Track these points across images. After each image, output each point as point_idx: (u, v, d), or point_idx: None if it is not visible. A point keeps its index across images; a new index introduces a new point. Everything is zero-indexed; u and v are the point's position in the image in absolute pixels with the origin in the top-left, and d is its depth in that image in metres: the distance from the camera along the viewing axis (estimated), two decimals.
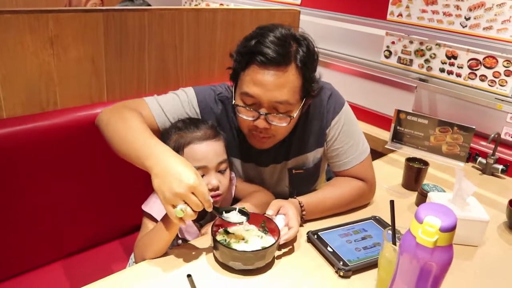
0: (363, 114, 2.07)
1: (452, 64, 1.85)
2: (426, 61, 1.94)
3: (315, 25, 2.29)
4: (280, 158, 1.24)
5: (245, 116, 1.08)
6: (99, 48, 1.25)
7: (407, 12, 1.94)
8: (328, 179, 1.45)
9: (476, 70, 1.77)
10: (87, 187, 1.27)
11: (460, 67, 1.82)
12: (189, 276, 0.92)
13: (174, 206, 0.86)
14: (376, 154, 1.80)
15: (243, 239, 1.00)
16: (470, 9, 1.73)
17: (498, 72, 1.71)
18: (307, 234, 1.09)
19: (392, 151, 1.77)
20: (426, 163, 1.45)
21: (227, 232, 1.01)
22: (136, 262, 1.01)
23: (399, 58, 2.03)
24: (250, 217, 1.02)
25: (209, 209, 0.91)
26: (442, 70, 1.89)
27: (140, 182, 1.29)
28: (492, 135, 1.54)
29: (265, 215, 1.06)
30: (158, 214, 1.05)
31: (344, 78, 2.20)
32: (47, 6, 1.16)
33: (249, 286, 0.93)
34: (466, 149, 1.64)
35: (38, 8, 1.11)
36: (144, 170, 0.91)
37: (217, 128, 1.14)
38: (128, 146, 0.95)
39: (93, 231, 1.33)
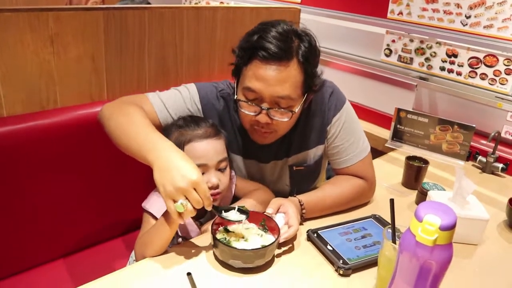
0: (363, 112, 2.06)
1: (452, 63, 1.85)
2: (427, 59, 1.93)
3: (315, 23, 2.29)
4: (281, 155, 1.24)
5: (247, 111, 1.08)
6: (99, 46, 1.25)
7: (407, 10, 1.93)
8: (328, 177, 1.45)
9: (476, 68, 1.77)
10: (88, 185, 1.27)
11: (461, 65, 1.82)
12: (189, 274, 0.92)
13: (174, 202, 0.87)
14: (376, 152, 1.80)
15: (243, 237, 1.00)
16: (470, 8, 1.73)
17: (498, 70, 1.71)
18: (307, 232, 1.09)
19: (392, 149, 1.77)
20: (426, 162, 1.45)
21: (227, 231, 1.01)
22: (136, 260, 1.02)
23: (400, 56, 2.03)
24: (250, 216, 1.02)
25: (209, 208, 0.91)
26: (442, 69, 1.89)
27: (141, 180, 1.29)
28: (492, 134, 1.54)
29: (265, 213, 1.06)
30: (158, 212, 1.05)
31: (344, 76, 2.20)
32: (47, 4, 1.16)
33: (249, 284, 0.93)
34: (466, 147, 1.64)
35: (38, 6, 1.11)
36: (146, 164, 0.91)
37: (217, 126, 1.14)
38: (131, 140, 0.95)
39: (93, 229, 1.33)
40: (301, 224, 1.14)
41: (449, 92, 1.84)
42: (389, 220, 0.92)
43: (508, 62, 1.67)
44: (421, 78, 1.94)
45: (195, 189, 0.86)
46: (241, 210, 1.00)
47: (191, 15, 1.42)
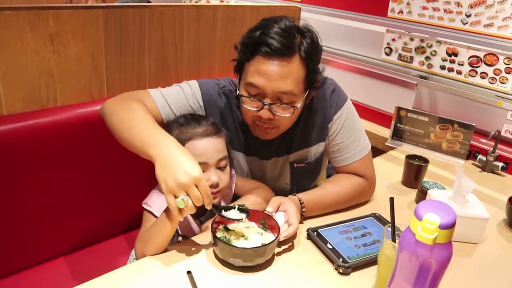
0: (363, 111, 2.06)
1: (452, 61, 1.85)
2: (427, 58, 1.93)
3: (315, 22, 2.27)
4: (283, 152, 1.24)
5: (249, 106, 1.08)
6: (99, 45, 1.25)
7: (407, 9, 1.93)
8: (328, 176, 1.45)
9: (476, 67, 1.77)
10: (88, 184, 1.27)
11: (461, 64, 1.82)
12: (189, 272, 0.92)
13: (175, 198, 0.87)
14: (376, 151, 1.80)
15: (243, 236, 1.00)
16: (471, 6, 1.72)
17: (498, 69, 1.70)
18: (307, 231, 1.09)
19: (392, 148, 1.77)
20: (426, 161, 1.45)
21: (227, 229, 1.01)
22: (137, 258, 1.02)
23: (400, 55, 2.02)
24: (250, 214, 1.02)
25: (209, 207, 0.91)
26: (442, 67, 1.89)
27: (141, 178, 1.30)
28: (492, 133, 1.54)
29: (265, 212, 1.06)
30: (158, 210, 1.05)
31: (344, 75, 2.20)
32: (47, 3, 1.16)
33: (249, 282, 0.93)
34: (466, 146, 1.64)
35: (38, 4, 1.11)
36: (148, 159, 0.92)
37: (218, 125, 1.15)
38: (133, 135, 0.95)
39: (95, 227, 1.34)
40: (301, 222, 1.14)
41: (449, 91, 1.84)
42: (389, 218, 0.92)
43: (508, 61, 1.67)
44: (421, 77, 1.94)
45: (196, 185, 0.87)
46: (241, 209, 1.00)
47: (192, 13, 1.42)
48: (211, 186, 1.05)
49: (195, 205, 0.88)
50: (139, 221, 1.12)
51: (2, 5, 1.06)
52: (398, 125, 1.77)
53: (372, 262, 0.99)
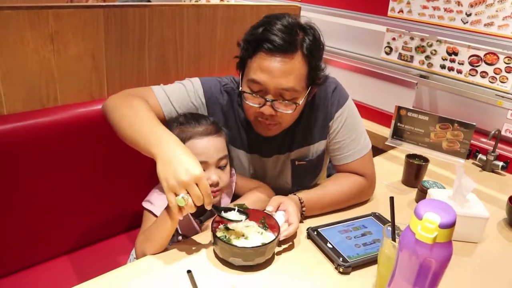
0: (363, 110, 2.05)
1: (453, 61, 1.85)
2: (427, 57, 1.93)
3: (315, 21, 2.26)
4: (284, 149, 1.25)
5: (252, 102, 1.08)
6: (99, 44, 1.25)
7: (408, 8, 1.93)
8: (329, 175, 1.45)
9: (477, 66, 1.77)
10: (88, 183, 1.27)
11: (461, 63, 1.82)
12: (189, 272, 0.92)
13: (175, 196, 0.87)
14: (376, 150, 1.80)
15: (243, 235, 1.00)
16: (471, 5, 1.72)
17: (499, 68, 1.70)
18: (307, 230, 1.09)
19: (392, 147, 1.77)
20: (426, 160, 1.45)
21: (227, 229, 1.01)
22: (137, 258, 1.02)
23: (400, 54, 2.02)
24: (250, 214, 1.02)
25: (208, 207, 0.91)
26: (442, 67, 1.89)
27: (142, 177, 1.30)
28: (493, 132, 1.54)
29: (265, 211, 1.06)
30: (159, 210, 1.05)
31: (344, 74, 2.19)
32: (48, 2, 1.16)
33: (249, 282, 0.93)
34: (467, 145, 1.64)
35: (39, 4, 1.11)
36: (149, 157, 0.92)
37: (218, 124, 1.15)
38: (135, 132, 0.96)
39: (95, 226, 1.34)
40: (301, 222, 1.14)
41: (450, 90, 1.84)
42: (389, 218, 0.92)
43: (508, 60, 1.67)
44: (421, 76, 1.94)
45: (197, 184, 0.87)
46: (241, 211, 1.00)
47: (192, 13, 1.42)
48: (211, 185, 1.05)
49: (195, 205, 0.89)
50: (140, 220, 1.12)
51: (2, 4, 1.06)
52: (398, 124, 1.77)
53: (372, 261, 0.99)
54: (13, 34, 1.09)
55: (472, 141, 1.64)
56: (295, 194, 1.16)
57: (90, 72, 1.26)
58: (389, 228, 0.88)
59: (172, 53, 1.42)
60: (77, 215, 1.28)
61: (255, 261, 0.95)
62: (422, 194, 1.31)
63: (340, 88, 1.24)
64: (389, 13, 2.00)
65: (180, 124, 1.10)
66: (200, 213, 1.16)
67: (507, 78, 1.69)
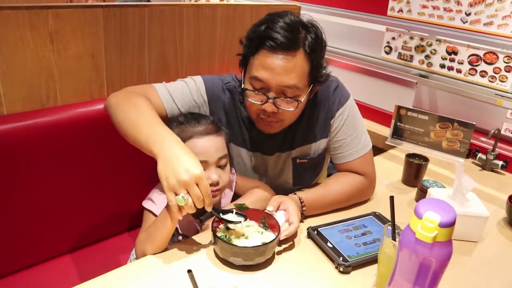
0: (363, 110, 2.03)
1: (452, 60, 1.85)
2: (427, 57, 1.93)
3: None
4: (286, 147, 1.25)
5: (254, 100, 1.09)
6: (99, 44, 1.25)
7: (407, 7, 1.93)
8: (329, 175, 1.45)
9: (476, 66, 1.77)
10: (88, 183, 1.27)
11: (461, 63, 1.82)
12: (189, 271, 0.92)
13: (175, 195, 0.87)
14: (376, 150, 1.79)
15: (243, 235, 1.00)
16: (470, 5, 1.72)
17: (498, 68, 1.70)
18: (307, 230, 1.10)
19: (392, 147, 1.77)
20: (426, 159, 1.45)
21: (227, 228, 1.01)
22: (137, 258, 1.02)
23: (400, 54, 2.02)
24: (251, 213, 1.02)
25: (209, 208, 0.91)
26: (442, 66, 1.89)
27: (142, 177, 1.30)
28: (492, 131, 1.54)
29: (266, 211, 1.06)
30: (158, 210, 1.05)
31: (344, 74, 2.19)
32: (47, 2, 1.16)
33: (250, 281, 0.93)
34: (466, 145, 1.64)
35: (38, 4, 1.11)
36: (150, 155, 0.92)
37: (218, 123, 1.15)
38: (137, 131, 0.96)
39: (95, 226, 1.34)
40: (301, 221, 1.14)
41: (449, 89, 1.84)
42: (389, 217, 0.92)
43: (508, 59, 1.67)
44: (421, 75, 1.94)
45: (197, 184, 0.87)
46: (239, 213, 1.00)
47: (191, 12, 1.42)
48: (211, 185, 1.05)
49: (195, 205, 0.89)
50: (140, 219, 1.12)
51: (2, 4, 1.05)
52: (398, 123, 1.77)
53: (372, 260, 0.99)
54: (13, 34, 1.09)
55: (472, 140, 1.64)
56: (295, 194, 1.16)
57: (90, 72, 1.26)
58: (389, 228, 0.88)
59: (171, 52, 1.42)
60: (77, 215, 1.28)
61: (255, 260, 0.95)
62: (422, 193, 1.31)
63: (341, 87, 1.24)
64: (389, 12, 2.00)
65: (180, 123, 1.10)
66: (200, 213, 1.16)
67: (506, 77, 1.69)
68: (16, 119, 1.11)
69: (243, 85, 1.11)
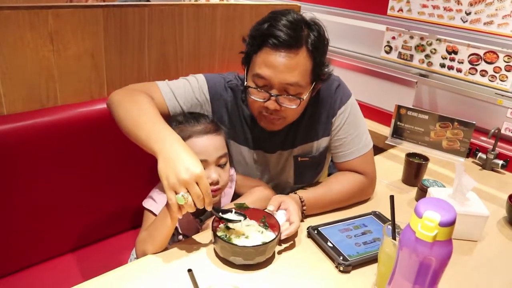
0: (363, 109, 2.02)
1: (452, 59, 1.85)
2: (427, 56, 1.93)
3: None
4: (287, 145, 1.25)
5: (256, 97, 1.09)
6: (99, 44, 1.25)
7: (407, 7, 1.93)
8: (329, 175, 1.45)
9: (476, 65, 1.77)
10: (89, 183, 1.27)
11: (461, 62, 1.82)
12: (189, 270, 0.92)
13: (175, 194, 0.87)
14: (377, 149, 1.79)
15: (244, 234, 1.00)
16: (470, 4, 1.72)
17: (498, 67, 1.70)
18: (307, 229, 1.10)
19: (392, 146, 1.77)
20: (426, 159, 1.45)
21: (227, 228, 1.01)
22: (137, 257, 1.02)
23: (400, 53, 2.02)
24: (251, 213, 1.02)
25: (209, 207, 0.91)
26: (442, 65, 1.89)
27: (142, 177, 1.30)
28: (492, 130, 1.54)
29: (266, 210, 1.06)
30: (158, 210, 1.05)
31: (344, 73, 2.19)
32: (47, 2, 1.16)
33: (250, 280, 0.93)
34: (466, 144, 1.64)
35: (38, 4, 1.11)
36: (151, 153, 0.93)
37: (217, 122, 1.15)
38: (138, 129, 0.96)
39: (96, 226, 1.34)
40: (301, 221, 1.14)
41: (449, 89, 1.84)
42: (389, 216, 0.92)
43: (508, 58, 1.67)
44: (421, 75, 1.94)
45: (197, 183, 0.87)
46: (238, 213, 1.01)
47: (191, 12, 1.42)
48: (211, 184, 1.05)
49: (195, 205, 0.89)
50: (141, 219, 1.12)
51: (2, 4, 1.06)
52: (398, 123, 1.77)
53: (372, 260, 0.99)
54: (13, 34, 1.09)
55: (472, 139, 1.64)
56: (295, 193, 1.16)
57: (89, 72, 1.26)
58: (389, 227, 0.88)
59: (171, 52, 1.43)
60: (77, 215, 1.28)
61: (255, 260, 0.95)
62: (422, 192, 1.31)
63: (343, 85, 1.25)
64: (389, 12, 2.00)
65: (179, 123, 1.10)
66: (201, 213, 1.16)
67: (506, 77, 1.69)
68: (16, 119, 1.11)
69: (245, 83, 1.11)
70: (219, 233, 0.98)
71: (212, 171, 1.06)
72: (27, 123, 1.11)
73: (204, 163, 1.05)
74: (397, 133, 1.79)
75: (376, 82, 2.08)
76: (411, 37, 1.96)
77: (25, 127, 1.11)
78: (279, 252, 1.03)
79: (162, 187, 0.90)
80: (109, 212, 1.35)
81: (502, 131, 1.69)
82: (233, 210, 1.01)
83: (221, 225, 1.02)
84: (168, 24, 1.38)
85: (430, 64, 1.93)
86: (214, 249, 0.99)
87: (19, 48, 1.11)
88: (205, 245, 1.03)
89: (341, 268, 0.97)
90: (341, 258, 0.98)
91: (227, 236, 0.98)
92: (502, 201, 1.32)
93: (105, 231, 1.38)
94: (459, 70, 1.83)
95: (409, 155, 1.46)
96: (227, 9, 1.52)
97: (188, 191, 0.87)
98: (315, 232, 1.08)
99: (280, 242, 1.04)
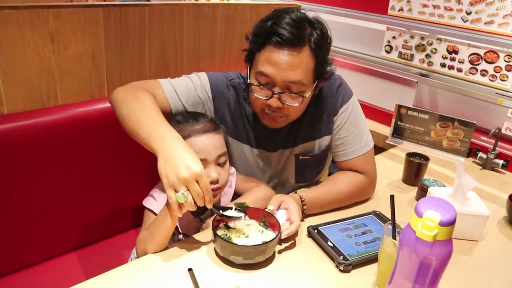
0: (363, 109, 2.02)
1: (453, 59, 1.84)
2: (427, 56, 1.93)
3: None
4: (289, 144, 1.25)
5: (259, 95, 1.09)
6: (99, 43, 1.25)
7: (408, 6, 1.93)
8: (330, 174, 1.45)
9: (477, 65, 1.77)
10: (89, 182, 1.27)
11: (461, 62, 1.82)
12: (190, 270, 0.92)
13: (175, 192, 0.87)
14: (377, 149, 1.79)
15: (244, 233, 1.00)
16: (471, 4, 1.72)
17: (499, 66, 1.70)
18: (307, 228, 1.10)
19: (392, 146, 1.77)
20: (426, 158, 1.45)
21: (228, 227, 1.01)
22: (137, 257, 1.02)
23: (400, 53, 2.02)
24: (251, 212, 1.02)
25: (209, 205, 0.91)
26: (443, 65, 1.88)
27: (143, 176, 1.30)
28: (493, 130, 1.54)
29: (267, 210, 1.06)
30: (159, 209, 1.05)
31: (344, 73, 2.17)
32: (48, 1, 1.16)
33: (250, 280, 0.93)
34: (467, 144, 1.64)
35: (39, 3, 1.11)
36: (151, 151, 0.93)
37: (216, 121, 1.15)
38: (139, 127, 0.97)
39: (96, 225, 1.34)
40: (302, 220, 1.14)
41: (450, 88, 1.84)
42: (389, 216, 0.92)
43: (508, 58, 1.67)
44: (421, 74, 1.94)
45: (197, 181, 0.87)
46: (239, 210, 1.01)
47: (191, 12, 1.42)
48: (211, 183, 1.05)
49: (195, 203, 0.89)
50: (141, 218, 1.12)
51: (3, 4, 1.06)
52: (399, 123, 1.77)
53: (372, 259, 0.99)
54: (13, 33, 1.09)
55: (472, 139, 1.64)
56: (296, 193, 1.16)
57: (90, 71, 1.26)
58: (390, 226, 0.88)
59: (172, 52, 1.43)
60: (77, 215, 1.28)
61: (255, 259, 0.95)
62: (422, 192, 1.31)
63: (345, 85, 1.25)
64: (389, 11, 2.00)
65: (178, 122, 1.10)
66: (201, 212, 1.16)
67: (507, 76, 1.69)
68: (16, 118, 1.11)
69: (248, 80, 1.11)
70: (219, 233, 0.98)
71: (212, 170, 1.06)
72: (28, 123, 1.11)
73: (204, 162, 1.05)
74: (398, 132, 1.79)
75: (377, 81, 2.07)
76: (412, 37, 1.96)
77: (25, 127, 1.11)
78: (279, 252, 1.03)
79: (163, 186, 0.90)
80: (109, 212, 1.35)
81: (503, 131, 1.69)
82: (233, 207, 1.01)
83: (221, 224, 1.02)
84: (168, 24, 1.38)
85: (430, 63, 1.93)
86: (214, 249, 0.99)
87: (19, 48, 1.11)
88: (205, 244, 1.03)
89: (341, 268, 0.97)
90: (341, 257, 0.98)
91: (227, 236, 0.98)
92: (503, 200, 1.32)
93: (105, 231, 1.38)
94: (459, 70, 1.83)
95: (410, 154, 1.46)
96: (228, 8, 1.52)
97: (188, 190, 0.87)
98: (315, 231, 1.08)
99: (280, 241, 1.04)
